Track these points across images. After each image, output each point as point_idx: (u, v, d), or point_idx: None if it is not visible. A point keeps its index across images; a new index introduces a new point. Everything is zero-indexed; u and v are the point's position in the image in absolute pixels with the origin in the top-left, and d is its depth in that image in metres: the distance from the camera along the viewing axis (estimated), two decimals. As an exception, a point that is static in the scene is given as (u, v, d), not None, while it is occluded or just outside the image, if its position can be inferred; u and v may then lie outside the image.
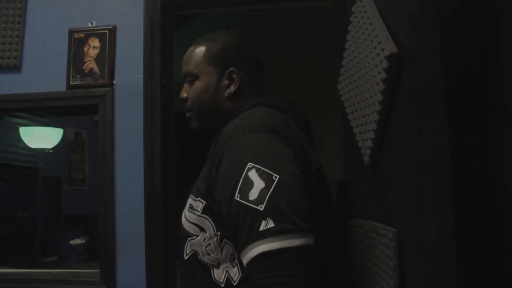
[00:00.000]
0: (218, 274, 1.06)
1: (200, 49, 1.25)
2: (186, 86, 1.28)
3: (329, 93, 3.94)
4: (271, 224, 0.90)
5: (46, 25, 2.03)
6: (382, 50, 1.09)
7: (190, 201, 1.10)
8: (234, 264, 1.05)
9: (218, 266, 1.06)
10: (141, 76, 1.89)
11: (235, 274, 1.05)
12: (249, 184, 0.94)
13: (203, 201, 1.06)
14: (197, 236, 1.08)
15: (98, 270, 1.91)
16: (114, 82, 1.91)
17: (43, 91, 1.97)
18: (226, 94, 1.23)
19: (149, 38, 1.91)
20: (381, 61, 1.10)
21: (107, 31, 1.94)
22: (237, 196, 0.95)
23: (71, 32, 1.98)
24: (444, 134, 0.79)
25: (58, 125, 3.86)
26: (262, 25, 3.86)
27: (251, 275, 0.93)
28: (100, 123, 1.92)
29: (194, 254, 1.09)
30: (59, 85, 1.96)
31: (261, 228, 0.90)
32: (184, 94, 1.27)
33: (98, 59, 1.92)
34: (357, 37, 1.36)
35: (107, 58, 1.91)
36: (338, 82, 1.59)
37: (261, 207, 0.91)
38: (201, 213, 1.06)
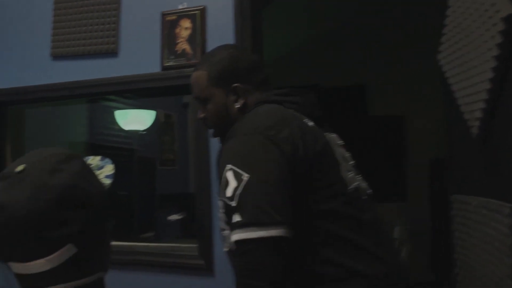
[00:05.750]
0: None
1: (202, 74, 1.37)
2: (202, 107, 1.41)
3: (411, 68, 3.78)
4: (238, 218, 1.05)
5: (140, 10, 2.11)
6: (497, 12, 1.00)
7: (218, 199, 1.24)
8: None
9: None
10: (232, 54, 1.90)
11: None
12: (226, 183, 1.10)
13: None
14: (226, 230, 1.22)
15: (196, 245, 1.99)
16: (207, 61, 1.94)
17: (139, 73, 2.06)
18: (236, 108, 1.34)
19: (238, 17, 1.91)
20: (494, 24, 1.02)
21: (197, 12, 1.97)
22: (220, 194, 1.14)
23: (163, 15, 2.03)
24: None
25: (150, 108, 4.03)
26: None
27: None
28: (194, 102, 1.96)
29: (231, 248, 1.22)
30: (154, 67, 2.03)
31: (233, 221, 1.07)
32: (201, 115, 1.42)
33: (190, 40, 1.96)
34: (462, 1, 1.27)
35: (198, 38, 1.95)
36: (439, 52, 1.51)
37: (233, 204, 1.07)
38: (223, 211, 1.18)
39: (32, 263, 0.75)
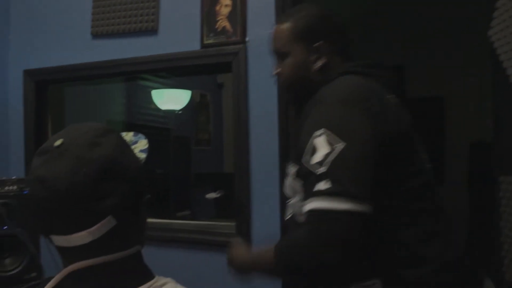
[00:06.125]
0: None
1: (286, 27, 1.30)
2: (278, 62, 1.34)
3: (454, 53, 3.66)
4: (327, 185, 0.97)
5: (180, -13, 2.10)
6: None
7: (288, 166, 1.23)
8: None
9: None
10: (273, 31, 1.87)
11: None
12: (313, 148, 1.03)
13: (296, 165, 1.15)
14: (293, 198, 1.20)
15: (234, 223, 2.00)
16: (247, 39, 1.92)
17: (179, 51, 2.05)
18: (315, 69, 1.28)
19: (279, -7, 1.88)
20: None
21: (238, -12, 1.95)
22: (305, 158, 1.04)
23: (203, -8, 2.02)
24: None
25: (185, 87, 4.05)
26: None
27: (300, 224, 1.06)
28: (233, 80, 1.95)
29: (293, 215, 1.21)
30: (193, 45, 2.03)
31: (317, 188, 0.98)
32: (277, 70, 1.35)
33: (230, 17, 1.94)
34: (521, -28, 1.21)
35: (238, 15, 1.93)
36: (490, 27, 1.45)
37: (321, 170, 0.99)
38: (295, 177, 1.15)
39: (74, 235, 0.76)
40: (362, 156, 1.02)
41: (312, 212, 0.98)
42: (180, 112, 4.05)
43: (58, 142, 0.77)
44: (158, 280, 0.82)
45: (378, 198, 1.03)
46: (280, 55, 1.32)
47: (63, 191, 0.73)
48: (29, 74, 2.42)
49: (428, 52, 3.79)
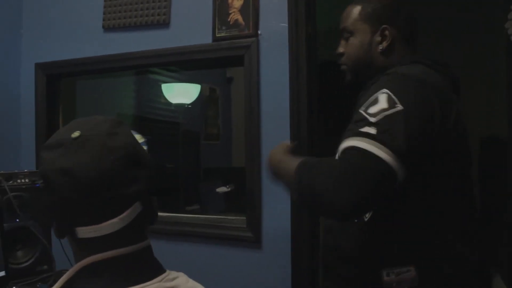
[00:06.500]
0: None
1: (356, 8, 1.35)
2: (342, 41, 1.38)
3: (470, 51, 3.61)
4: (373, 131, 1.01)
5: (192, -20, 2.08)
6: None
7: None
8: None
9: None
10: (286, 25, 1.86)
11: None
12: (375, 102, 1.07)
13: None
14: None
15: (244, 217, 1.99)
16: (259, 32, 1.91)
17: (190, 44, 2.05)
18: (378, 50, 1.31)
19: (292, -14, 1.87)
20: None
21: (250, -18, 1.93)
22: (362, 107, 1.09)
23: (215, -15, 2.01)
24: None
25: (194, 81, 4.05)
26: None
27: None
28: (245, 74, 1.94)
29: None
30: (205, 38, 2.02)
31: (363, 130, 1.02)
32: (341, 49, 1.38)
33: (243, 10, 1.93)
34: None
35: (251, 8, 1.91)
36: (507, 19, 1.43)
37: (373, 119, 1.03)
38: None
39: (104, 224, 0.75)
40: (414, 127, 1.03)
41: (352, 149, 1.01)
42: (189, 106, 4.05)
43: (76, 134, 0.77)
44: (170, 274, 0.82)
45: (426, 189, 1.07)
46: (346, 34, 1.35)
47: (92, 179, 0.74)
48: (40, 67, 2.43)
49: (439, 46, 3.76)
